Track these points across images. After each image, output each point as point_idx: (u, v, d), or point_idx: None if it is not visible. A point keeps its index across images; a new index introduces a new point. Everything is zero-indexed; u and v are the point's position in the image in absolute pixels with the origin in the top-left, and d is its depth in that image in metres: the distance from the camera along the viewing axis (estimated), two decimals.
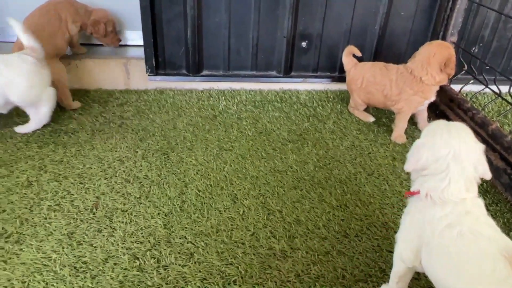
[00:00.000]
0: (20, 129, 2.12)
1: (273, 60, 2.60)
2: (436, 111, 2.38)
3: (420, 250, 1.14)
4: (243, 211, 1.68)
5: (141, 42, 2.69)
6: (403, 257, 1.20)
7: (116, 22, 2.56)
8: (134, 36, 2.73)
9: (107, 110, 2.37)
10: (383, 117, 2.48)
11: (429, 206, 1.13)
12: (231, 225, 1.62)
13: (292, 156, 2.06)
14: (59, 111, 2.31)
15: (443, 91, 2.31)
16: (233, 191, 1.80)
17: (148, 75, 2.53)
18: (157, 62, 2.52)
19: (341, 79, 2.60)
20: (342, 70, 2.46)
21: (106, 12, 2.49)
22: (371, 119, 2.40)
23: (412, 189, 1.20)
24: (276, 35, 2.52)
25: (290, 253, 1.51)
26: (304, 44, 2.56)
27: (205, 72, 2.60)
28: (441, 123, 1.18)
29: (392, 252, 1.35)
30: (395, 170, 1.99)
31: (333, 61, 2.64)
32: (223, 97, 2.56)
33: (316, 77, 2.67)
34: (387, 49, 2.62)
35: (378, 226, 1.64)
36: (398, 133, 2.24)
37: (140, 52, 2.64)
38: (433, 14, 2.53)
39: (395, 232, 1.25)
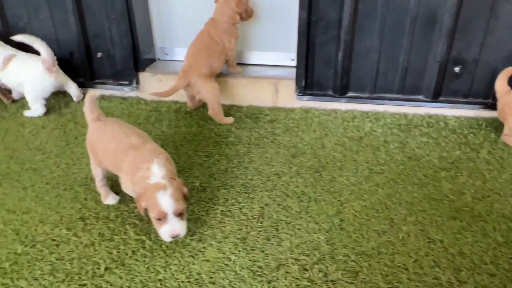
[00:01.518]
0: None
1: (422, 84, 2.57)
2: None
3: None
4: (402, 237, 1.71)
5: (289, 63, 2.89)
6: None
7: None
8: (283, 57, 2.91)
9: (259, 126, 2.56)
10: None
11: None
12: (392, 249, 1.65)
13: (447, 184, 2.02)
14: (219, 124, 2.57)
15: None
16: (389, 215, 1.83)
17: (297, 95, 2.69)
18: (306, 83, 2.66)
19: (495, 106, 2.47)
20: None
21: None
22: None
23: None
24: (428, 60, 2.49)
25: (458, 285, 1.49)
26: (457, 69, 2.50)
27: (350, 94, 2.68)
28: None
29: None
30: None
31: (488, 87, 2.52)
32: (368, 119, 2.60)
33: (466, 103, 2.57)
34: None
35: None
36: None
37: (288, 72, 2.82)
38: None
39: None
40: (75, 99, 2.87)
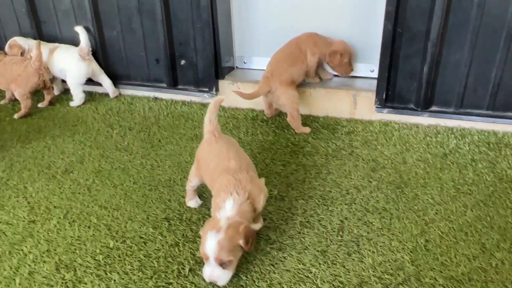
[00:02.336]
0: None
1: None
2: None
3: None
4: (496, 264, 1.59)
5: (368, 74, 2.83)
6: None
7: (352, 54, 2.73)
8: (362, 68, 2.86)
9: (336, 137, 2.53)
10: None
11: None
12: (484, 276, 1.55)
13: None
14: (295, 134, 2.58)
15: None
16: (479, 239, 1.72)
17: (376, 107, 2.62)
18: (387, 95, 2.59)
19: None
20: None
21: (344, 44, 2.68)
22: None
23: None
24: None
25: None
26: None
27: (434, 108, 2.56)
28: None
29: None
30: None
31: None
32: (452, 135, 2.47)
33: None
34: None
35: None
36: None
37: (367, 84, 2.77)
38: None
39: None
40: (111, 95, 3.16)
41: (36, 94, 3.13)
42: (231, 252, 1.47)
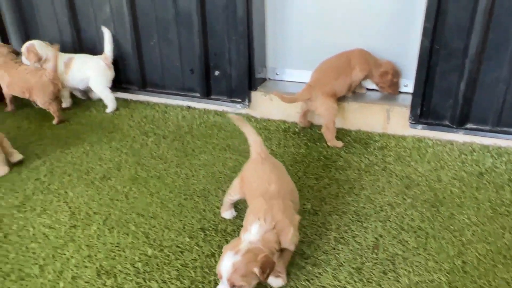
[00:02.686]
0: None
1: None
2: None
3: None
4: None
5: (402, 89, 2.82)
6: None
7: (400, 74, 2.74)
8: None
9: (369, 152, 2.53)
10: None
11: None
12: None
13: None
14: (327, 147, 2.59)
15: None
16: None
17: (410, 123, 2.61)
18: (421, 111, 2.57)
19: None
20: None
21: (393, 64, 2.70)
22: None
23: None
24: None
25: None
26: None
27: (469, 125, 2.53)
28: None
29: None
30: None
31: None
32: (488, 154, 2.43)
33: None
34: None
35: None
36: None
37: (401, 99, 2.76)
38: None
39: None
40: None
41: (73, 97, 3.25)
42: (244, 278, 1.41)
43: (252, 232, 1.51)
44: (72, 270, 1.73)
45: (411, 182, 2.23)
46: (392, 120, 2.70)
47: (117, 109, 3.20)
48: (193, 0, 2.80)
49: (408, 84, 2.81)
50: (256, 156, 1.87)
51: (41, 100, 2.94)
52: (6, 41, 3.49)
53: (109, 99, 3.17)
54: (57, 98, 3.00)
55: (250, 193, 1.76)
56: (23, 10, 3.38)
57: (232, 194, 1.92)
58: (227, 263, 1.42)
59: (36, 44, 3.04)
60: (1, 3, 3.41)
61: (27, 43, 3.05)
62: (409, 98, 2.70)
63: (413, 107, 2.57)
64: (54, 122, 3.02)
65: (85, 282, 1.68)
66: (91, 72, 3.12)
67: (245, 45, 2.80)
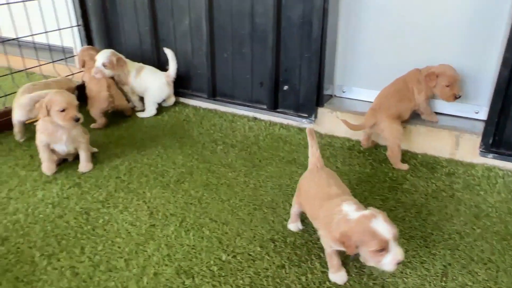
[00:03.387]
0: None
1: None
2: None
3: None
4: None
5: (472, 116, 2.80)
6: None
7: (456, 79, 2.62)
8: (466, 109, 2.83)
9: (436, 178, 2.53)
10: None
11: None
12: None
13: None
14: (393, 169, 2.61)
15: None
16: None
17: (480, 151, 2.58)
18: (493, 140, 2.54)
19: None
20: None
21: (447, 67, 2.63)
22: None
23: None
24: None
25: None
26: None
27: None
28: None
29: None
30: None
31: None
32: None
33: None
34: None
35: None
36: None
37: (471, 125, 2.74)
38: None
39: None
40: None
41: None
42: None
43: (349, 209, 1.62)
44: (153, 267, 1.88)
45: (480, 212, 2.22)
46: (461, 146, 2.68)
47: (186, 115, 3.39)
48: (270, 18, 2.93)
49: (479, 111, 2.78)
50: (312, 166, 1.96)
51: (93, 111, 3.21)
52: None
53: (150, 111, 3.41)
54: (106, 112, 3.25)
55: (308, 202, 1.86)
56: (108, 17, 3.66)
57: (293, 205, 2.05)
58: (384, 226, 1.49)
59: (113, 52, 3.28)
60: (89, 10, 3.69)
61: (111, 52, 3.26)
62: (479, 125, 2.68)
63: (485, 135, 2.55)
64: (93, 126, 3.20)
65: (166, 279, 1.82)
66: (151, 85, 3.36)
67: (317, 63, 2.89)
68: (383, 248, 1.49)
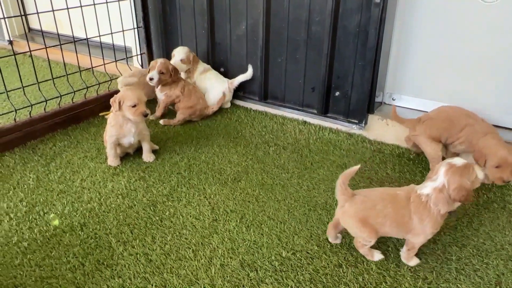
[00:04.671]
0: None
1: None
2: None
3: None
4: None
5: None
6: None
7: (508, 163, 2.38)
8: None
9: (486, 189, 2.57)
10: None
11: None
12: None
13: None
14: None
15: None
16: None
17: None
18: None
19: None
20: None
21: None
22: None
23: None
24: None
25: None
26: None
27: None
28: None
29: None
30: None
31: None
32: None
33: None
34: None
35: None
36: None
37: None
38: None
39: None
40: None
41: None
42: None
43: (440, 174, 1.84)
44: (219, 259, 2.04)
45: None
46: None
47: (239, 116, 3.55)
48: (326, 26, 3.03)
49: None
50: (349, 198, 1.98)
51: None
52: (150, 47, 4.00)
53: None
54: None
55: (387, 221, 1.93)
56: (167, 20, 3.85)
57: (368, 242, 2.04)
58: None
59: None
60: (150, 12, 3.90)
61: (186, 49, 3.59)
62: None
63: None
64: (158, 119, 3.49)
65: (232, 271, 1.96)
66: (214, 87, 3.57)
67: (371, 71, 2.97)
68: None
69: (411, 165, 2.83)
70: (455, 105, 2.74)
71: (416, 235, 1.90)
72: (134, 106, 2.64)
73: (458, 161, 1.83)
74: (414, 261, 1.99)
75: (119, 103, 2.64)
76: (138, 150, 2.94)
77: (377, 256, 2.03)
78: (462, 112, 2.65)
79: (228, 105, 3.73)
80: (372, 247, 2.02)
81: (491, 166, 2.39)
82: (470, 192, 1.80)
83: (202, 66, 3.63)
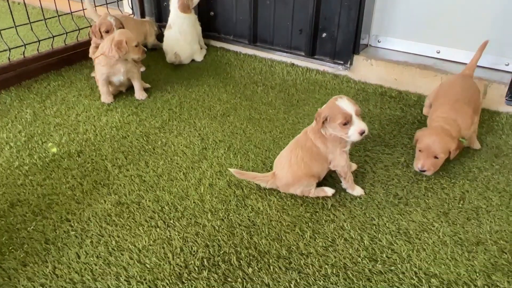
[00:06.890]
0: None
1: None
2: None
3: None
4: None
5: (502, 68, 2.94)
6: None
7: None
8: (496, 61, 2.96)
9: None
10: None
11: None
12: None
13: None
14: (422, 114, 2.82)
15: None
16: None
17: (506, 100, 2.75)
18: None
19: None
20: None
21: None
22: None
23: None
24: None
25: None
26: None
27: None
28: None
29: None
30: None
31: None
32: None
33: None
34: None
35: None
36: None
37: (500, 76, 2.89)
38: None
39: None
40: None
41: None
42: None
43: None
44: (208, 179, 2.20)
45: (500, 152, 2.43)
46: (488, 95, 2.85)
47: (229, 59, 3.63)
48: None
49: (509, 64, 2.92)
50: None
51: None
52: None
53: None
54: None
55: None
56: None
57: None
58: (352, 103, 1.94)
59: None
60: None
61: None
62: (507, 76, 2.83)
63: (511, 86, 2.71)
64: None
65: (219, 189, 2.13)
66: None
67: (356, 11, 3.04)
68: (347, 122, 1.86)
69: (392, 103, 2.97)
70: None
71: (333, 160, 2.02)
72: (137, 45, 2.77)
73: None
74: (357, 191, 2.10)
75: (127, 44, 2.73)
76: (131, 89, 3.04)
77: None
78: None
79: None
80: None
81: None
82: None
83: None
